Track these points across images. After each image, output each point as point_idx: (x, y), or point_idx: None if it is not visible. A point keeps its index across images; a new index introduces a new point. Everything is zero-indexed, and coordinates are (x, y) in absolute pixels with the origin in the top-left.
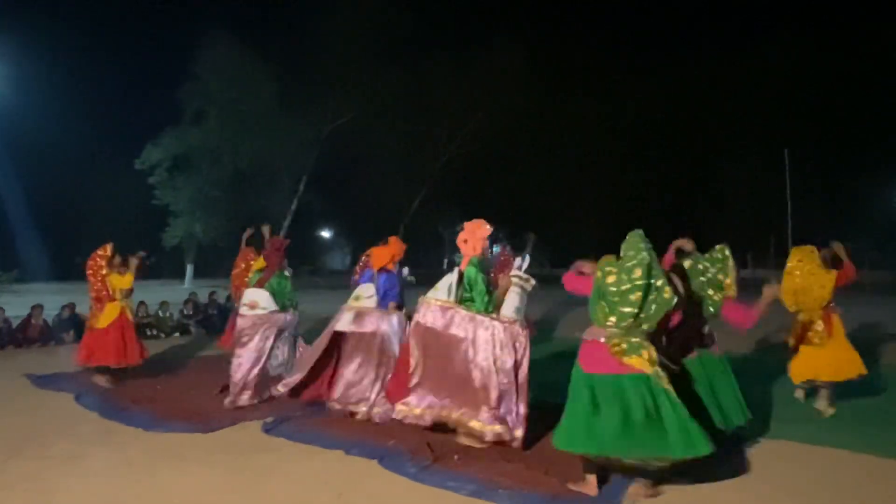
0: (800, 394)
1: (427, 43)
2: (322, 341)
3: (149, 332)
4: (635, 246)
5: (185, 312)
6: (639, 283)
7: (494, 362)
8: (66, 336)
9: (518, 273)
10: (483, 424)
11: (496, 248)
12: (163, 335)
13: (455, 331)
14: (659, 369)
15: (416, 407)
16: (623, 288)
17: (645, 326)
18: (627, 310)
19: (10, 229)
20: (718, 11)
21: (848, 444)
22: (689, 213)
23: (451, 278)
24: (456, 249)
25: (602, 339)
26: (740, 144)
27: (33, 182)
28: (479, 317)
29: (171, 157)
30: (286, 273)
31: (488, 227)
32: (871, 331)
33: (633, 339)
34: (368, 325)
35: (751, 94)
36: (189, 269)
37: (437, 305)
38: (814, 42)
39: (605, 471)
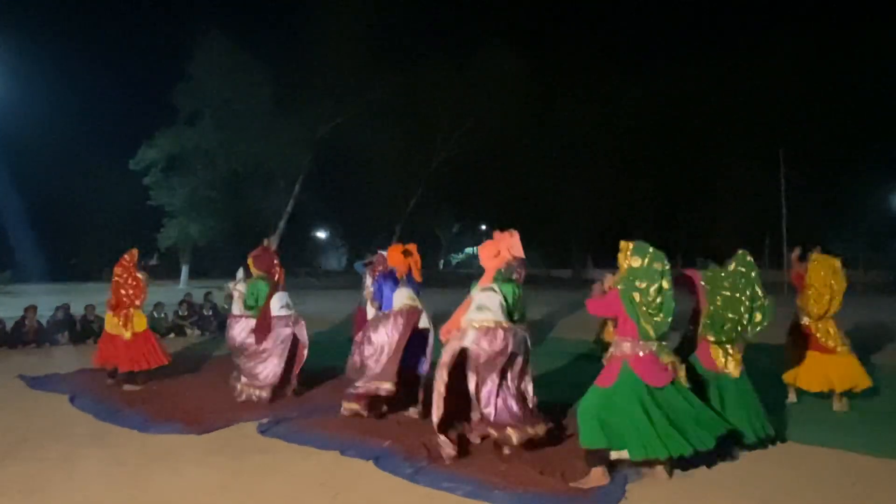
0: (792, 397)
1: (422, 44)
2: (399, 342)
3: None
4: (658, 257)
5: (181, 313)
6: (670, 293)
7: (527, 365)
8: (61, 337)
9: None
10: (529, 429)
11: None
12: (158, 336)
13: (511, 349)
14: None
15: (489, 427)
16: (661, 301)
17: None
18: (670, 319)
19: (4, 230)
20: (714, 12)
21: (848, 445)
22: (684, 214)
23: (497, 296)
24: (452, 250)
25: (649, 352)
26: (736, 144)
27: (28, 182)
28: (521, 328)
29: (166, 158)
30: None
31: (517, 236)
32: (870, 331)
33: (668, 349)
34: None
35: (746, 94)
36: (184, 269)
37: (497, 327)
38: (809, 42)
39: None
